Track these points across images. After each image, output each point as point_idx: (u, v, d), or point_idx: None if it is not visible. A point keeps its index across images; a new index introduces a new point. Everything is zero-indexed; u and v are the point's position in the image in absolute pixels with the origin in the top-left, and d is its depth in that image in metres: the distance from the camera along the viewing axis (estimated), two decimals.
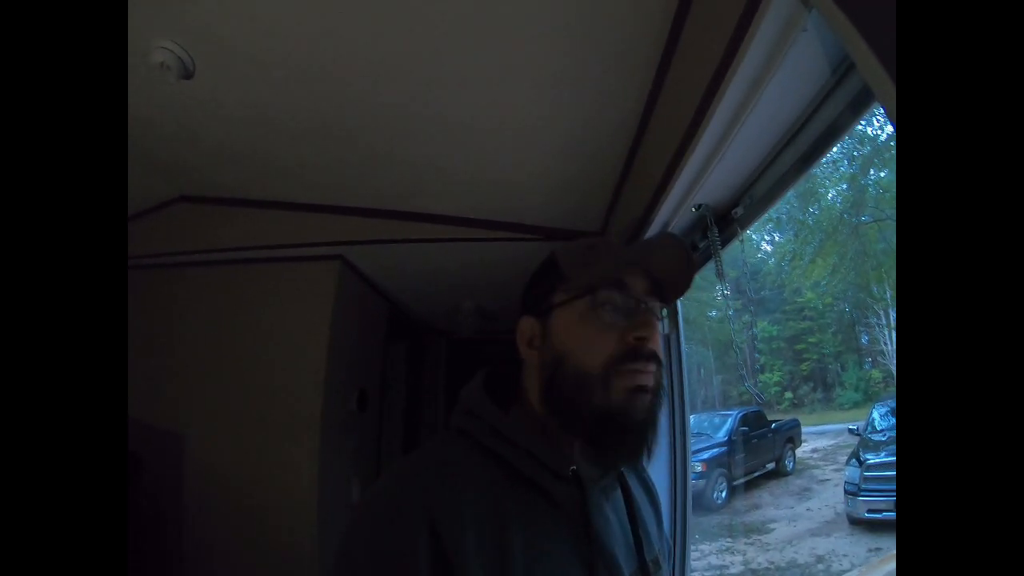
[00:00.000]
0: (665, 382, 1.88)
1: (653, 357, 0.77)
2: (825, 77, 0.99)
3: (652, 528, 0.92)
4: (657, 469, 1.86)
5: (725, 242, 1.45)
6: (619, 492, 0.85)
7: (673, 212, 1.45)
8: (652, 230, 1.56)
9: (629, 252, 0.84)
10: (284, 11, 1.39)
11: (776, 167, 1.24)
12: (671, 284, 0.83)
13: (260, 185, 2.43)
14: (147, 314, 2.59)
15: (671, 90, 1.36)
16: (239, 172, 2.32)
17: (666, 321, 0.86)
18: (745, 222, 1.38)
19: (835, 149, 1.02)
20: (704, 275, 1.54)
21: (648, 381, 0.76)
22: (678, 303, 1.96)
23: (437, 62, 1.52)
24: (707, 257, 1.50)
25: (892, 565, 2.99)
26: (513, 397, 0.84)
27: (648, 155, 1.58)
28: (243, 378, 2.53)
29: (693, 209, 1.42)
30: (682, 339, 1.94)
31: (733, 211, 1.39)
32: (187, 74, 1.61)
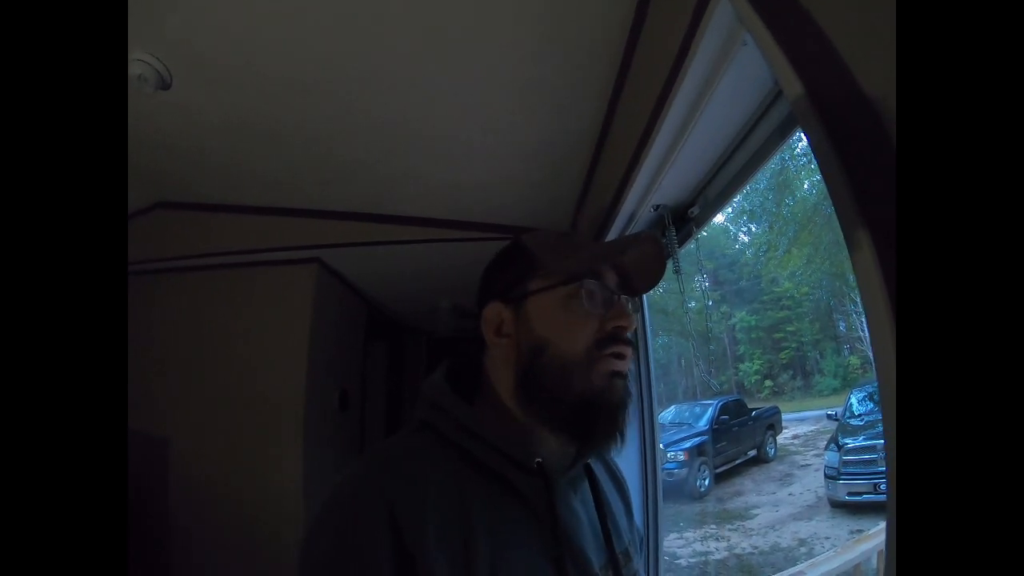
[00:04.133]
0: (632, 371, 1.94)
1: (631, 343, 0.78)
2: (768, 86, 1.05)
3: (621, 519, 0.90)
4: (627, 459, 1.91)
5: (683, 240, 1.52)
6: (587, 484, 0.83)
7: (633, 211, 1.52)
8: (614, 228, 1.62)
9: (608, 247, 0.85)
10: (258, 24, 1.42)
11: (728, 169, 1.31)
12: (643, 279, 0.84)
13: (237, 191, 2.43)
14: (128, 321, 2.61)
15: (628, 98, 1.43)
16: (216, 178, 2.33)
17: (637, 314, 0.83)
18: (701, 221, 1.45)
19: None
20: (682, 268, 1.60)
21: (625, 368, 0.77)
22: (643, 296, 2.02)
23: (410, 72, 1.56)
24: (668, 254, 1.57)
25: (867, 545, 3.08)
26: (476, 389, 0.82)
27: (610, 159, 1.64)
28: (225, 382, 2.54)
29: (652, 209, 1.48)
30: (649, 332, 1.99)
31: (690, 211, 1.46)
32: (164, 85, 1.63)
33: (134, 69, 1.56)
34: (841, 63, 0.63)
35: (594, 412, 0.73)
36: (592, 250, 0.83)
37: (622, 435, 0.77)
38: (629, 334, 0.78)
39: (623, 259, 0.82)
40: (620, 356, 0.75)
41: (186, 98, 1.72)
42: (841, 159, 0.60)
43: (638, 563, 0.87)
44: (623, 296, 0.80)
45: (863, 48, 0.61)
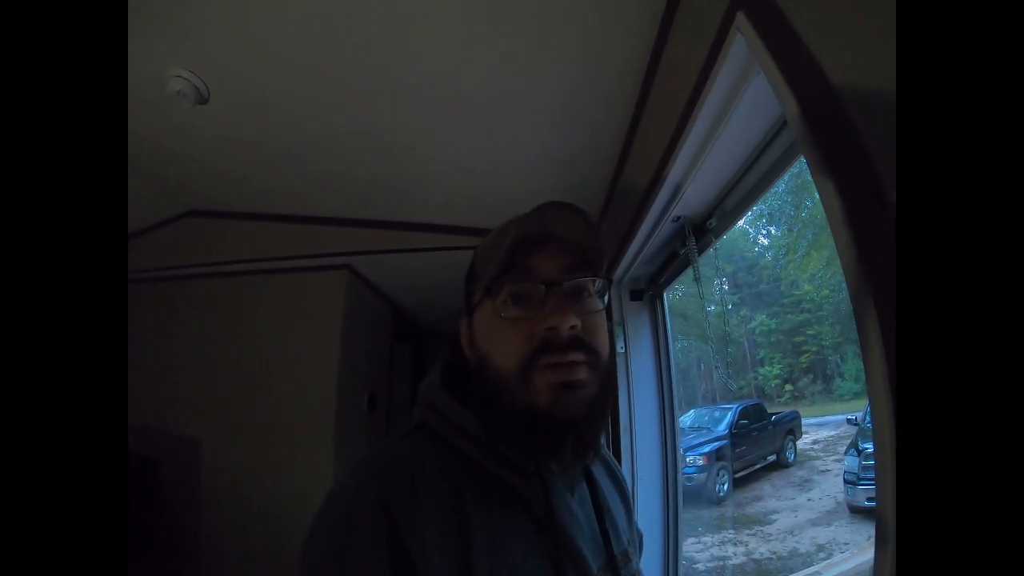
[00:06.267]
0: (654, 375, 1.97)
1: (575, 344, 0.68)
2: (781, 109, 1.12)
3: (621, 520, 0.87)
4: (648, 464, 1.95)
5: (702, 249, 1.58)
6: (585, 485, 0.80)
7: (656, 223, 1.58)
8: (637, 239, 1.67)
9: (519, 230, 0.71)
10: (293, 40, 1.49)
11: (744, 183, 1.37)
12: (585, 252, 0.73)
13: (270, 200, 2.53)
14: (163, 325, 2.71)
15: (650, 116, 1.50)
16: (249, 189, 2.43)
17: (595, 298, 0.73)
18: (719, 231, 1.51)
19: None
20: (702, 273, 1.65)
21: (575, 375, 0.67)
22: (664, 291, 2.06)
23: (441, 91, 1.63)
24: (687, 263, 1.63)
25: None
26: (472, 390, 0.76)
27: (632, 173, 1.71)
28: (258, 385, 2.62)
29: (672, 221, 1.54)
30: (670, 334, 2.03)
31: (708, 222, 1.52)
32: (202, 100, 1.72)
33: (173, 85, 1.65)
34: (832, 89, 0.70)
35: (541, 430, 0.67)
36: (508, 242, 0.71)
37: (589, 451, 0.71)
38: (576, 331, 0.68)
39: (553, 234, 0.73)
40: (559, 366, 0.67)
41: (222, 112, 1.81)
42: (832, 171, 0.70)
43: (637, 564, 0.86)
44: (569, 282, 0.71)
45: (854, 74, 0.68)
